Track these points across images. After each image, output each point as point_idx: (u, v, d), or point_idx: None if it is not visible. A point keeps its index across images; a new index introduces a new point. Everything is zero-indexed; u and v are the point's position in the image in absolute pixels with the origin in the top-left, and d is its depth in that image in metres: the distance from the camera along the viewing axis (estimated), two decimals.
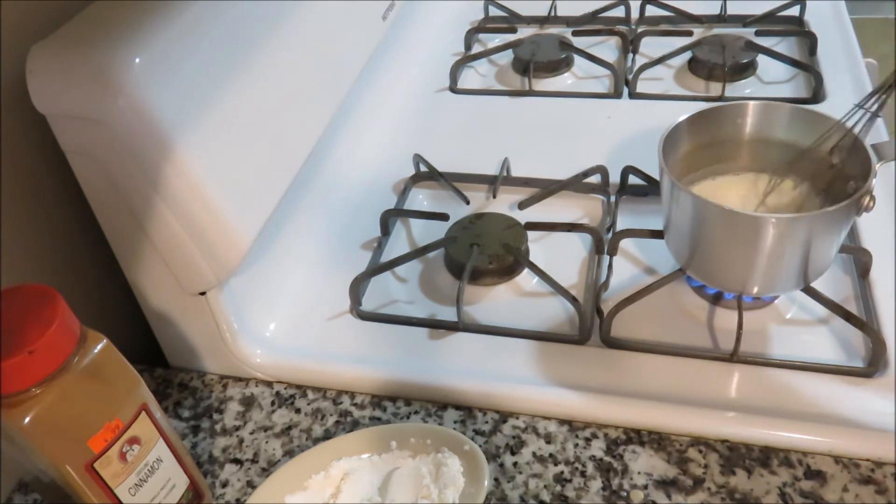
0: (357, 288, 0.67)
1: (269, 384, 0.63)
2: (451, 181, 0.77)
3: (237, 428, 0.60)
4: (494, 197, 0.77)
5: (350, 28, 0.77)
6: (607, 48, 0.99)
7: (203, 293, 0.59)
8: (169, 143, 0.50)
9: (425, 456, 0.54)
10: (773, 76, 0.90)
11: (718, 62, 0.88)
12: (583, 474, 0.53)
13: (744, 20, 0.99)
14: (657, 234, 0.65)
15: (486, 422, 0.58)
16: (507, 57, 0.99)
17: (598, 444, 0.55)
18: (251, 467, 0.57)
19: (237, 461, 0.57)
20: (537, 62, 0.94)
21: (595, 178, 0.76)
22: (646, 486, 0.52)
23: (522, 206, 0.73)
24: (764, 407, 0.56)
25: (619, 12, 1.03)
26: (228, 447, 0.58)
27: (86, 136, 0.51)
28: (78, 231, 0.61)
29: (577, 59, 0.96)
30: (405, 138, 0.87)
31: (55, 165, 0.56)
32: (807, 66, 0.87)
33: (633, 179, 0.74)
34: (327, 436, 0.58)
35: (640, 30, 0.99)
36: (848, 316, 0.59)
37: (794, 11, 0.98)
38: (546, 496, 0.52)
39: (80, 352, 0.42)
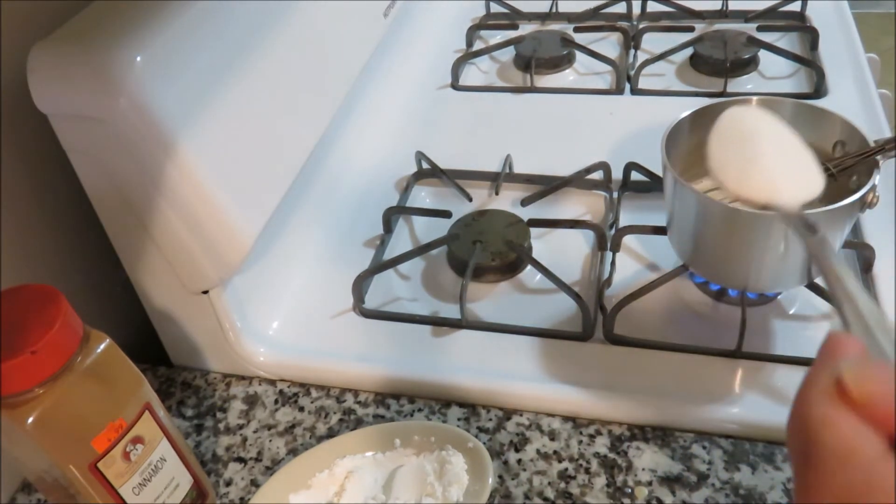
0: (360, 286, 0.67)
1: (272, 382, 0.63)
2: (453, 178, 0.77)
3: (241, 426, 0.60)
4: (497, 194, 0.77)
5: (351, 26, 0.77)
6: (609, 44, 0.99)
7: (206, 292, 0.59)
8: (171, 141, 0.50)
9: (429, 454, 0.54)
10: (774, 71, 0.90)
11: (720, 58, 0.88)
12: (587, 471, 0.53)
13: (745, 15, 0.98)
14: (660, 231, 0.65)
15: (490, 419, 0.58)
16: (508, 54, 0.98)
17: (602, 441, 0.55)
18: (255, 466, 0.57)
19: (241, 460, 0.57)
20: (539, 59, 0.93)
21: (597, 175, 0.75)
22: (650, 483, 0.52)
23: (525, 202, 0.73)
24: (768, 402, 0.55)
25: (620, 8, 1.02)
26: (232, 446, 0.58)
27: (87, 135, 0.51)
28: (80, 230, 0.61)
29: (579, 55, 0.96)
30: (407, 136, 0.87)
31: (57, 165, 0.55)
32: (808, 61, 0.87)
33: (635, 176, 0.74)
34: (331, 434, 0.58)
35: (641, 26, 0.99)
36: None
37: (796, 7, 0.98)
38: (550, 493, 0.52)
39: (82, 351, 0.42)
